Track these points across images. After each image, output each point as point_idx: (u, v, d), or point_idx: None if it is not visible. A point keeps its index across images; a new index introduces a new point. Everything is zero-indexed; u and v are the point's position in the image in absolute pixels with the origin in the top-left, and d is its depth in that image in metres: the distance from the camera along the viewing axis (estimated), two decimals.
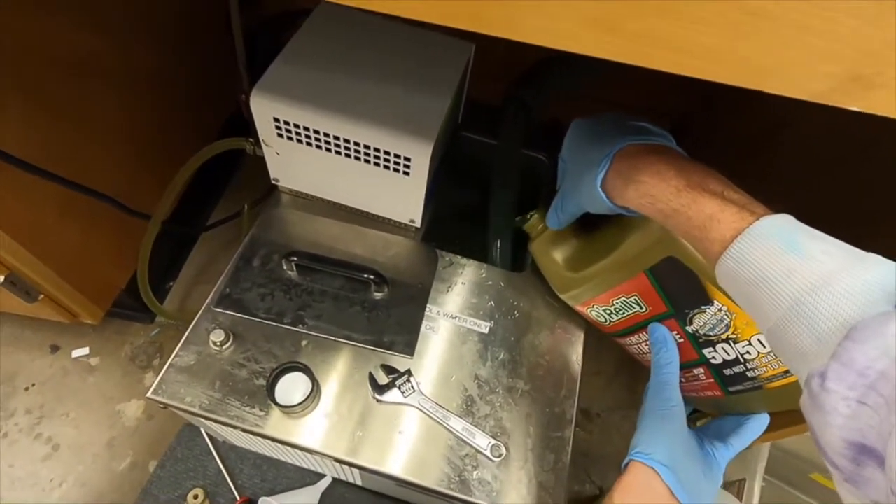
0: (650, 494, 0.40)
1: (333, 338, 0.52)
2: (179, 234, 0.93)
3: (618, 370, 0.90)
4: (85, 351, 0.83)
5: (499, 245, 0.64)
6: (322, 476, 0.66)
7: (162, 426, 0.77)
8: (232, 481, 0.64)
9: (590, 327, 0.57)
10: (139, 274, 0.71)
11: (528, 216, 0.56)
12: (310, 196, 0.60)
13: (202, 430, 0.67)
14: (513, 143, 0.71)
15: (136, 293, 0.73)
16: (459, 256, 0.60)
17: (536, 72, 0.76)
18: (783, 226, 0.29)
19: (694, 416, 0.59)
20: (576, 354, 0.55)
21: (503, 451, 0.48)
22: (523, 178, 0.70)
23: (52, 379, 0.80)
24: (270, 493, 0.63)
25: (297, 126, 0.50)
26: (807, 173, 0.60)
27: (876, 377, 0.22)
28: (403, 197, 0.55)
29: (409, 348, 0.52)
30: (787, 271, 0.27)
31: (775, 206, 0.31)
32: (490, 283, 0.58)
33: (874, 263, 0.26)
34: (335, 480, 0.66)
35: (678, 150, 0.40)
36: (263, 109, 0.49)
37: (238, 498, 0.63)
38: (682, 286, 0.44)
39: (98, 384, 0.80)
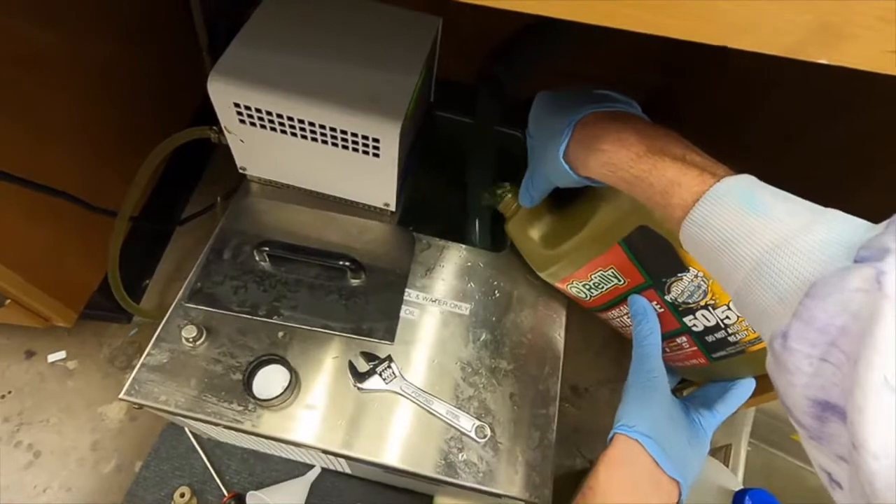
0: (635, 466, 0.40)
1: (311, 328, 0.51)
2: (152, 231, 0.90)
3: (605, 344, 0.90)
4: (62, 355, 0.81)
5: (477, 225, 0.63)
6: (311, 467, 0.66)
7: (146, 426, 0.76)
8: (219, 478, 0.63)
9: (573, 303, 0.57)
10: (110, 273, 0.69)
11: (500, 195, 0.55)
12: (280, 184, 0.59)
13: (186, 428, 0.66)
14: (488, 121, 0.69)
15: (110, 293, 0.71)
16: (437, 238, 0.59)
17: (510, 46, 0.74)
18: (744, 186, 0.28)
19: (682, 385, 0.59)
20: (558, 331, 0.55)
21: (488, 431, 0.48)
22: (501, 157, 0.69)
23: (29, 385, 0.78)
24: (259, 486, 0.62)
25: (258, 111, 0.48)
26: (783, 141, 0.60)
27: (837, 333, 0.21)
28: (375, 180, 0.53)
29: (389, 334, 0.51)
30: (748, 232, 0.26)
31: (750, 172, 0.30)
32: (469, 264, 0.58)
33: (833, 219, 0.25)
34: (324, 470, 0.66)
35: (641, 117, 0.39)
36: (222, 94, 0.47)
37: (226, 494, 0.62)
38: (657, 255, 0.43)
39: (77, 388, 0.79)
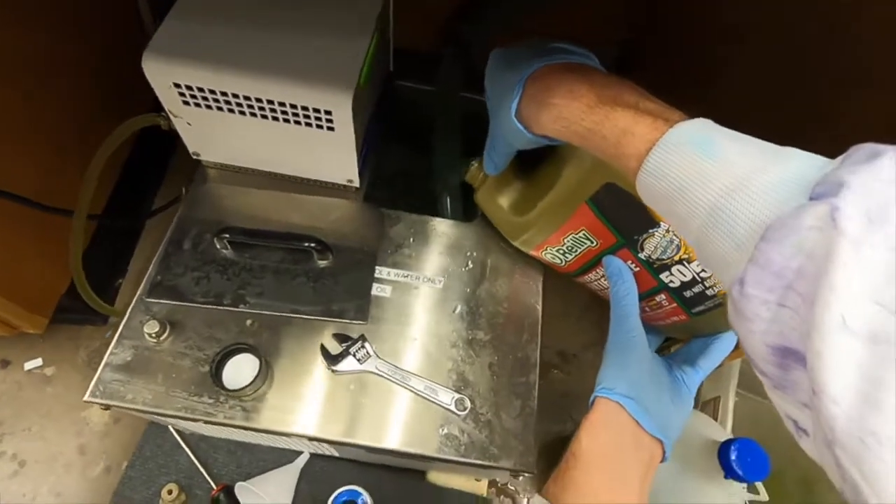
0: (616, 428, 0.39)
1: (279, 313, 0.49)
2: (120, 227, 0.87)
3: (587, 308, 0.89)
4: (38, 362, 0.79)
5: (447, 196, 0.61)
6: (300, 453, 0.65)
7: (132, 426, 0.74)
8: (206, 471, 0.62)
9: (552, 269, 0.55)
10: (74, 275, 0.66)
11: (466, 165, 0.53)
12: (237, 167, 0.56)
13: (168, 425, 0.65)
14: (452, 87, 0.66)
15: (80, 296, 0.69)
16: (406, 212, 0.57)
17: (475, 4, 0.71)
18: (698, 131, 0.27)
19: (667, 343, 0.59)
20: (535, 298, 0.54)
21: (468, 404, 0.47)
22: (469, 124, 0.67)
23: (6, 395, 0.76)
24: (247, 477, 0.62)
25: (200, 90, 0.45)
26: (760, 92, 0.58)
27: (793, 276, 0.20)
28: (334, 156, 0.51)
29: (361, 313, 0.50)
30: (702, 178, 0.25)
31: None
32: (440, 236, 0.56)
33: (790, 157, 0.23)
34: (313, 456, 0.65)
35: (596, 67, 0.37)
36: (159, 74, 0.44)
37: (214, 487, 0.61)
38: (625, 212, 0.42)
39: (57, 394, 0.77)
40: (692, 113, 0.30)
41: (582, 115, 0.32)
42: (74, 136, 0.72)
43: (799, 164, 0.23)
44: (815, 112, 0.47)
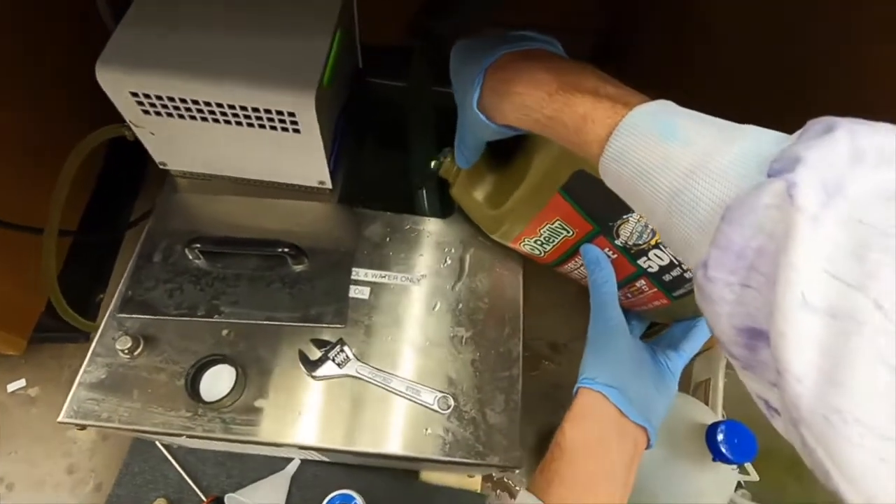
0: (599, 418, 0.39)
1: (255, 321, 0.48)
2: (97, 242, 0.86)
3: (578, 298, 0.89)
4: (21, 383, 0.78)
5: (423, 192, 0.60)
6: (290, 460, 0.64)
7: (120, 443, 0.73)
8: (195, 484, 0.62)
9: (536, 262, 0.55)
10: (50, 292, 0.65)
11: (440, 160, 0.52)
12: (206, 175, 0.55)
13: (155, 440, 0.64)
14: (423, 82, 0.65)
15: (59, 314, 0.68)
16: (381, 211, 0.56)
17: None
18: (657, 113, 0.26)
19: (653, 329, 0.59)
20: (516, 291, 0.53)
21: (451, 402, 0.47)
22: (443, 118, 0.66)
23: None
24: (238, 487, 0.61)
25: (158, 97, 0.44)
26: (730, 76, 0.57)
27: (754, 256, 0.20)
28: (303, 158, 0.50)
29: (339, 317, 0.49)
30: (663, 160, 0.24)
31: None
32: (416, 233, 0.55)
33: (748, 135, 0.23)
34: (304, 462, 0.65)
35: (558, 53, 0.37)
36: (114, 84, 0.43)
37: (204, 499, 0.60)
38: (597, 199, 0.41)
39: (42, 414, 0.76)
40: (671, 97, 0.30)
41: (542, 103, 0.31)
42: (43, 151, 0.70)
43: (757, 141, 0.22)
44: (794, 102, 0.46)
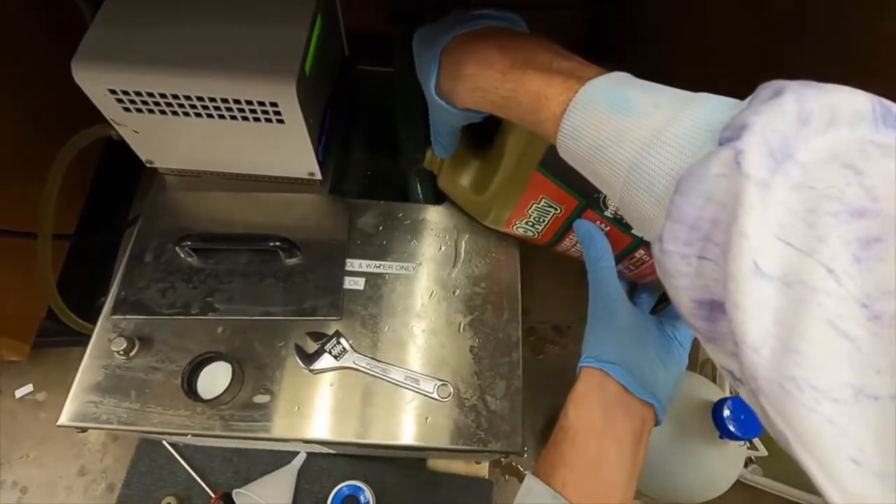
0: (603, 396, 0.38)
1: (250, 317, 0.48)
2: (95, 244, 0.86)
3: (581, 279, 0.88)
4: (29, 388, 0.78)
5: (416, 179, 0.59)
6: (296, 454, 0.65)
7: (130, 443, 0.74)
8: (203, 481, 0.62)
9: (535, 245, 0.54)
10: (50, 297, 0.65)
11: (424, 152, 0.51)
12: (195, 171, 0.54)
13: (161, 439, 0.64)
14: (408, 67, 0.64)
15: (60, 318, 0.68)
16: (373, 201, 0.55)
17: None
18: (609, 86, 0.25)
19: (662, 305, 0.57)
20: (513, 275, 0.52)
21: (451, 389, 0.46)
22: None
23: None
24: (245, 483, 0.61)
25: (138, 94, 0.43)
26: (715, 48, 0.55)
27: (708, 227, 0.19)
28: (290, 149, 0.49)
29: (334, 309, 0.49)
30: (618, 135, 0.24)
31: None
32: (410, 221, 0.54)
33: (701, 103, 0.22)
34: (310, 455, 0.65)
35: (516, 29, 0.35)
36: (92, 82, 0.42)
37: (213, 496, 0.61)
38: (576, 171, 0.40)
39: (51, 418, 0.76)
40: (669, 73, 0.28)
41: (496, 83, 0.31)
42: (34, 155, 0.70)
43: (710, 109, 0.21)
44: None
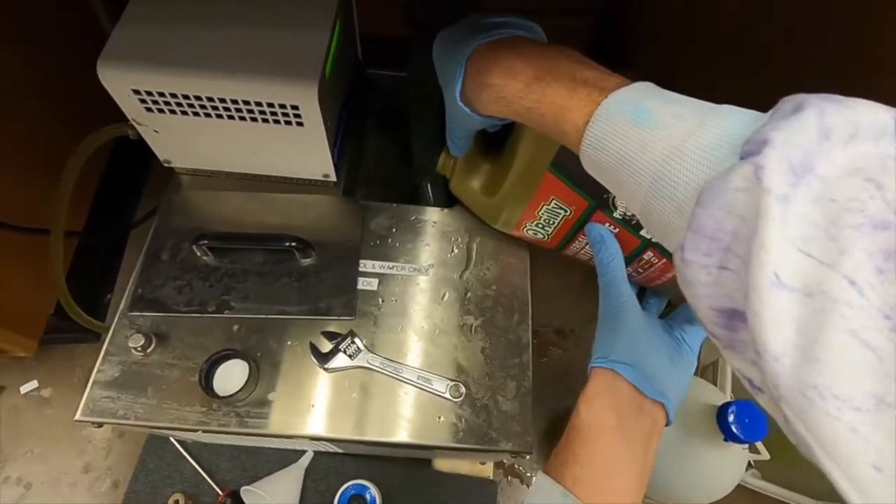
0: (614, 396, 0.39)
1: (266, 316, 0.49)
2: (104, 241, 0.86)
3: (585, 283, 0.89)
4: (34, 384, 0.78)
5: (428, 182, 0.60)
6: (303, 452, 0.65)
7: (136, 440, 0.74)
8: (211, 478, 0.62)
9: (543, 248, 0.55)
10: (59, 293, 0.65)
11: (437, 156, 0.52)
12: (211, 172, 0.55)
13: (170, 436, 0.64)
14: (423, 72, 0.65)
15: (69, 315, 0.68)
16: (386, 203, 0.56)
17: None
18: (632, 97, 0.26)
19: (669, 310, 0.58)
20: (523, 278, 0.53)
21: (463, 389, 0.47)
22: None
23: (4, 420, 0.76)
24: (253, 480, 0.62)
25: (161, 94, 0.44)
26: (734, 45, 0.57)
27: (729, 239, 0.20)
28: (307, 151, 0.50)
29: (348, 309, 0.49)
30: (641, 146, 0.24)
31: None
32: (422, 224, 0.55)
33: (723, 116, 0.23)
34: (317, 453, 0.65)
35: (537, 38, 0.36)
36: (116, 82, 0.43)
37: (220, 493, 0.61)
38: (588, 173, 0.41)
39: (57, 415, 0.77)
40: (679, 78, 0.29)
41: (520, 94, 0.31)
42: (46, 153, 0.70)
43: (733, 122, 0.22)
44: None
